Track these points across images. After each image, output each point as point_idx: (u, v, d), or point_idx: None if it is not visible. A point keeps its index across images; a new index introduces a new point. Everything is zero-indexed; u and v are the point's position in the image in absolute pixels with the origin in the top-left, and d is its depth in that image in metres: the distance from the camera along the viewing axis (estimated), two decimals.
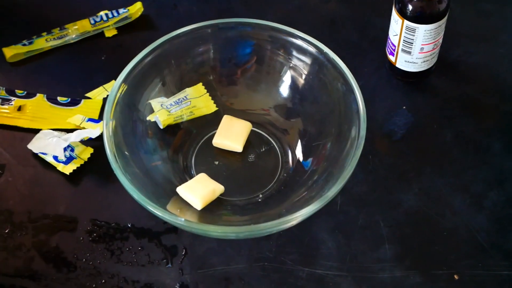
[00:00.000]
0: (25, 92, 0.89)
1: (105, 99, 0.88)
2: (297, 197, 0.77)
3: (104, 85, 0.89)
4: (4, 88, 0.89)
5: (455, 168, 0.83)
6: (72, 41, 0.93)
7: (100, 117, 0.86)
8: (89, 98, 0.88)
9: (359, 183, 0.81)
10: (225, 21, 0.83)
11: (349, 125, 0.77)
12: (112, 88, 0.78)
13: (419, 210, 0.80)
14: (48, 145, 0.83)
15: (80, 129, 0.84)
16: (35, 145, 0.83)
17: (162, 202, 0.75)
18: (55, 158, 0.82)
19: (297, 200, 0.76)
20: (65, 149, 0.82)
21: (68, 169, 0.82)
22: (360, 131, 0.75)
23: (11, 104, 0.87)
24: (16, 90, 0.89)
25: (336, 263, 0.76)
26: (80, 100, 0.88)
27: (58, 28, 0.94)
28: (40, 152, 0.83)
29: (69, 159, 0.82)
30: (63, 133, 0.84)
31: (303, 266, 0.76)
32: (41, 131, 0.84)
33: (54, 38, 0.93)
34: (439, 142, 0.85)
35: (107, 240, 0.78)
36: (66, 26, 0.94)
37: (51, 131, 0.84)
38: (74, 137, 0.82)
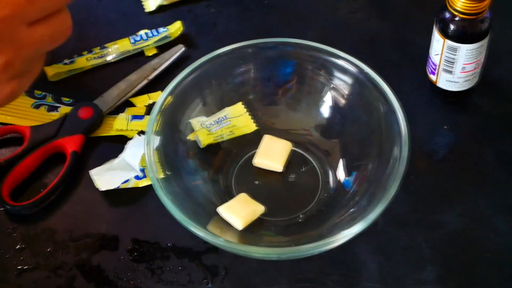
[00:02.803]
0: (71, 100, 0.89)
1: (148, 106, 0.88)
2: (338, 218, 0.76)
3: (148, 94, 0.90)
4: (51, 95, 0.89)
5: (498, 189, 0.82)
6: (112, 60, 0.94)
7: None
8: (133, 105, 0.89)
9: (400, 203, 0.80)
10: (265, 41, 0.82)
11: (391, 146, 0.76)
12: (153, 109, 0.78)
13: (462, 231, 0.79)
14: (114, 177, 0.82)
15: (126, 134, 0.85)
16: (104, 184, 0.82)
17: (202, 222, 0.74)
18: None
19: (338, 221, 0.76)
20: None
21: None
22: (402, 152, 0.74)
23: (57, 111, 0.88)
24: (62, 98, 0.89)
25: (378, 284, 0.75)
26: (124, 109, 0.89)
27: (99, 47, 0.95)
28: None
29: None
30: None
31: (344, 287, 0.75)
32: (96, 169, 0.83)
33: (94, 57, 0.94)
34: (482, 162, 0.84)
35: (147, 259, 0.78)
36: (107, 45, 0.95)
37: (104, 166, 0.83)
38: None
